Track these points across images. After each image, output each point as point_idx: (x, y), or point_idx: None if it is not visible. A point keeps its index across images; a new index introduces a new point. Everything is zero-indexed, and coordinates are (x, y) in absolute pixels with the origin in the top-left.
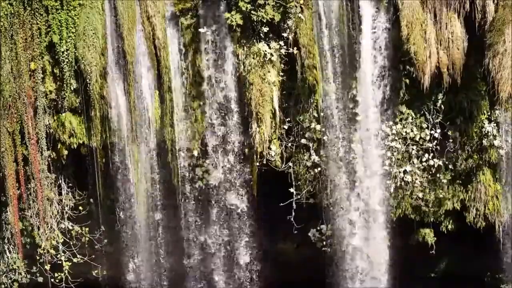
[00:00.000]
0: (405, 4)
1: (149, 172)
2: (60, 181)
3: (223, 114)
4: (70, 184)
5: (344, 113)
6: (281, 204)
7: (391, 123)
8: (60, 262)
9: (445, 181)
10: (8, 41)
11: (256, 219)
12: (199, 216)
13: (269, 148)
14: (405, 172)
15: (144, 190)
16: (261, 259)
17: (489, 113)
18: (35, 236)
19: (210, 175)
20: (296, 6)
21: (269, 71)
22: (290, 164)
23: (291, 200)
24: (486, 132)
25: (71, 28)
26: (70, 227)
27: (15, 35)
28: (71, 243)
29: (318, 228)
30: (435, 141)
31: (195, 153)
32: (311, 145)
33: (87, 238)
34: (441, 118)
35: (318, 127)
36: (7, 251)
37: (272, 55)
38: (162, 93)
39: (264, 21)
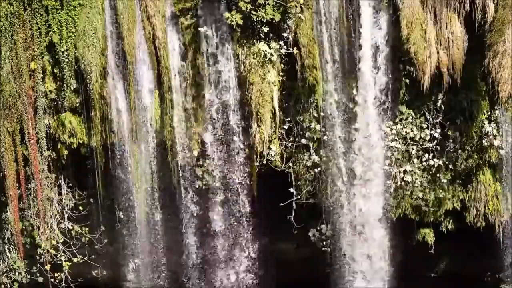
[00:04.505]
0: (405, 4)
1: (149, 172)
2: (60, 181)
3: (223, 114)
4: (70, 184)
5: (344, 113)
6: (281, 204)
7: (391, 123)
8: (60, 262)
9: (445, 181)
10: (8, 41)
11: (256, 219)
12: (199, 216)
13: (269, 148)
14: (405, 172)
15: (144, 190)
16: (261, 259)
17: (489, 113)
18: (35, 236)
19: (210, 175)
20: (296, 6)
21: (269, 71)
22: (290, 164)
23: (291, 200)
24: (486, 132)
25: (71, 28)
26: (70, 227)
27: (15, 35)
28: (71, 243)
29: (318, 228)
30: (435, 141)
31: (195, 153)
32: (311, 145)
33: (87, 238)
34: (441, 118)
35: (318, 127)
36: (7, 251)
37: (272, 55)
38: (162, 93)
39: (264, 21)
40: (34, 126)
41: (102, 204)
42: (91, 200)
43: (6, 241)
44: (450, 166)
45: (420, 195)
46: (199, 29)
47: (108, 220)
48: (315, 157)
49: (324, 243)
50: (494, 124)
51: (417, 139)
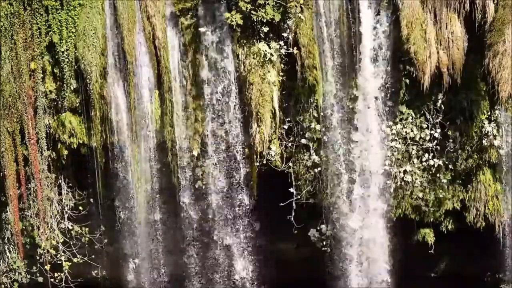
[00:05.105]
0: (405, 4)
1: (149, 172)
2: (60, 181)
3: (223, 114)
4: (70, 184)
5: (344, 113)
6: (281, 204)
7: (391, 123)
8: (60, 262)
9: (445, 181)
10: (8, 41)
11: (256, 219)
12: (199, 216)
13: (269, 148)
14: (405, 172)
15: (144, 190)
16: (261, 259)
17: (489, 113)
18: (35, 236)
19: (210, 175)
20: (296, 6)
21: (269, 71)
22: (290, 164)
23: (291, 200)
24: (486, 132)
25: (71, 28)
26: (70, 227)
27: (15, 35)
28: (71, 243)
29: (318, 228)
30: (435, 141)
31: (195, 153)
32: (311, 145)
33: (87, 238)
34: (441, 118)
35: (318, 127)
36: (7, 251)
37: (272, 55)
38: (162, 93)
39: (264, 21)
40: (34, 126)
41: (102, 204)
42: (91, 200)
43: (6, 241)
44: (450, 166)
45: (420, 195)
46: (199, 29)
47: (108, 220)
48: (315, 157)
49: (324, 243)
50: (494, 124)
51: (417, 139)
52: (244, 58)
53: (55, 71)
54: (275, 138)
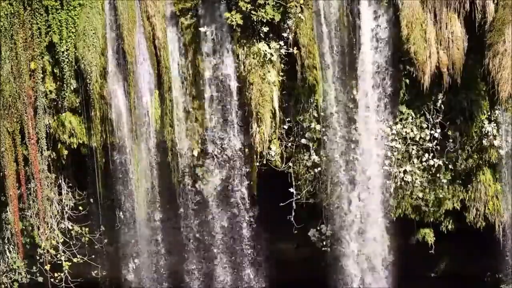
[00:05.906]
0: (405, 4)
1: (149, 172)
2: (60, 181)
3: (223, 114)
4: (70, 184)
5: (344, 113)
6: (281, 204)
7: (391, 123)
8: (60, 262)
9: (445, 181)
10: (8, 41)
11: (256, 219)
12: (199, 216)
13: (269, 148)
14: (405, 172)
15: (144, 190)
16: (261, 259)
17: (489, 113)
18: (35, 236)
19: (210, 175)
20: (296, 6)
21: (269, 71)
22: (290, 164)
23: (291, 200)
24: (486, 132)
25: (71, 28)
26: (70, 227)
27: (15, 35)
28: (71, 243)
29: (318, 228)
30: (435, 141)
31: (195, 153)
32: (311, 145)
33: (87, 238)
34: (441, 118)
35: (318, 127)
36: (7, 251)
37: (272, 55)
38: (162, 93)
39: (264, 21)
40: (34, 126)
41: (102, 204)
42: (91, 200)
43: (6, 241)
44: (450, 166)
45: (420, 195)
46: (199, 29)
47: (108, 220)
48: (315, 157)
49: (324, 243)
50: (494, 124)
51: (417, 139)
52: (244, 58)
53: (55, 71)
54: (275, 138)
